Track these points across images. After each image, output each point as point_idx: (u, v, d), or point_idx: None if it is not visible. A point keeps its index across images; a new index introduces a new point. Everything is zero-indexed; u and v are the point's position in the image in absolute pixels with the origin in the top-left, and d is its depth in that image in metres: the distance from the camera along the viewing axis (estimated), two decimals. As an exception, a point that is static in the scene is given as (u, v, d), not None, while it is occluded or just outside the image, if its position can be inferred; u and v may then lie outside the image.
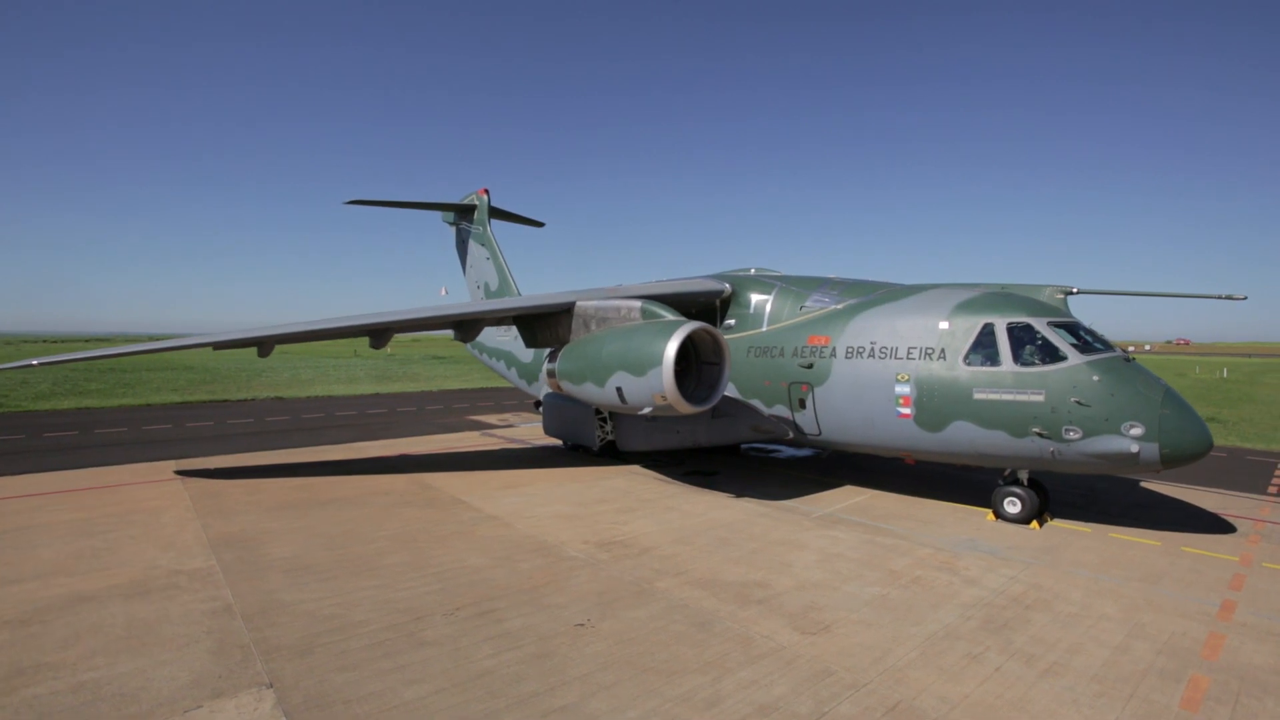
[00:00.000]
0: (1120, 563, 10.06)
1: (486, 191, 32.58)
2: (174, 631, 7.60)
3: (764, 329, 15.02)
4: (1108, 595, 8.78)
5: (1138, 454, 10.27)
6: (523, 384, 25.30)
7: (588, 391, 14.03)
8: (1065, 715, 5.99)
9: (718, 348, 13.22)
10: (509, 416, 28.41)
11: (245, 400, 33.38)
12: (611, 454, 18.35)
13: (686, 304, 15.86)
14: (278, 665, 6.82)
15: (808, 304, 14.62)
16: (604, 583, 9.14)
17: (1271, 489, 15.37)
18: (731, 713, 6.00)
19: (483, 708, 6.05)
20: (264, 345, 15.94)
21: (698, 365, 13.71)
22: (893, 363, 12.50)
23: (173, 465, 17.14)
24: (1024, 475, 12.16)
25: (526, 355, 24.62)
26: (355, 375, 49.60)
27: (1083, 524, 12.04)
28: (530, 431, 24.03)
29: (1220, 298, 11.27)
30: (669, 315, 13.40)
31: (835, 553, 10.48)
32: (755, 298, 15.50)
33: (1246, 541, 11.15)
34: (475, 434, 23.36)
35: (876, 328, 12.95)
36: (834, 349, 13.42)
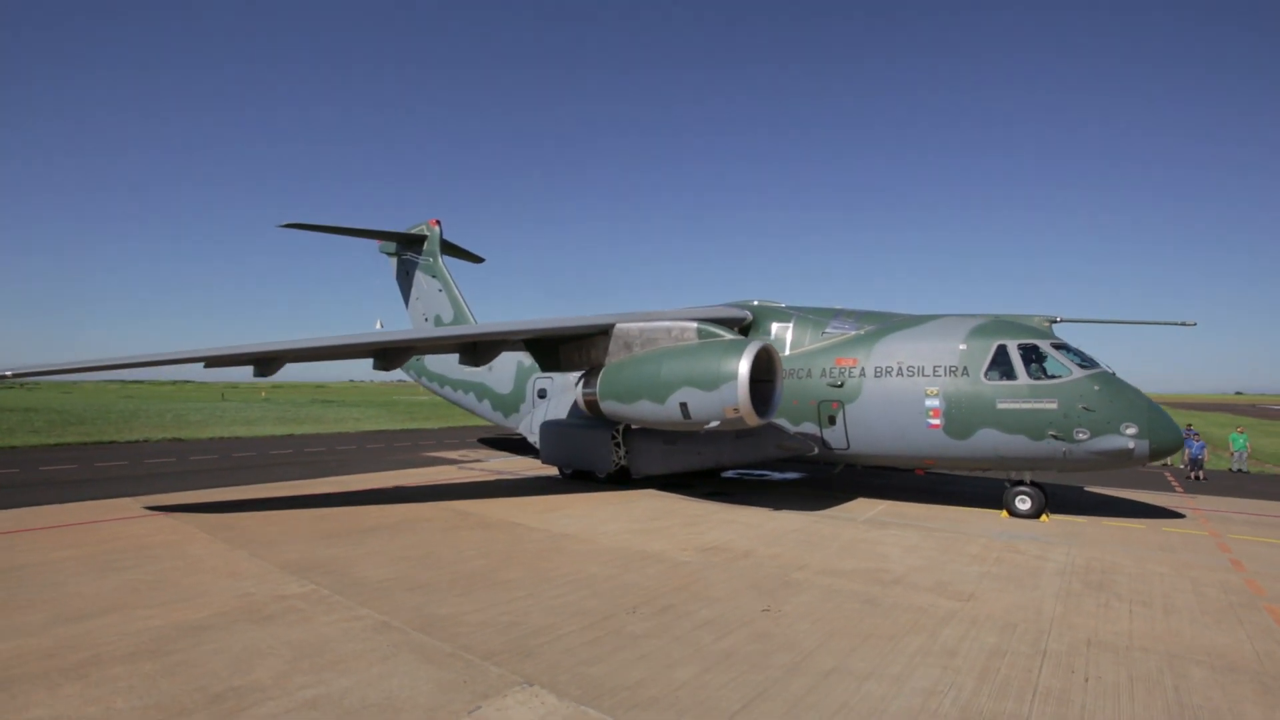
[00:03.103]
0: (1132, 540, 12.09)
1: (438, 223, 31.96)
2: (355, 648, 6.98)
3: (788, 353, 16.28)
4: (1151, 561, 10.61)
5: (1133, 449, 12.54)
6: (497, 416, 24.63)
7: (641, 409, 14.37)
8: (1213, 637, 7.38)
9: (771, 365, 14.24)
10: (468, 453, 27.33)
11: (139, 441, 29.24)
12: (620, 480, 18.44)
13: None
14: (515, 666, 6.56)
15: (829, 330, 16.14)
16: (743, 579, 9.52)
17: (1177, 488, 18.88)
18: (972, 658, 6.73)
19: (762, 677, 6.30)
20: (269, 363, 14.65)
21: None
22: (921, 380, 14.20)
23: (134, 502, 14.90)
24: (1028, 477, 14.19)
25: (504, 387, 24.12)
26: (251, 417, 44.79)
27: (1077, 516, 14.20)
28: (507, 464, 23.36)
29: (1172, 324, 14.30)
30: (729, 335, 14.28)
31: (911, 545, 11.60)
32: (775, 325, 16.80)
33: (1202, 522, 13.79)
34: (451, 468, 22.31)
35: (901, 350, 14.66)
36: (863, 369, 14.93)
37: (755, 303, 18.79)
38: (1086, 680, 6.26)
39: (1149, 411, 12.63)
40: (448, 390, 26.83)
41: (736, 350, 13.24)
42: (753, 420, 13.26)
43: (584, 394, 15.68)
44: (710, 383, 13.19)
